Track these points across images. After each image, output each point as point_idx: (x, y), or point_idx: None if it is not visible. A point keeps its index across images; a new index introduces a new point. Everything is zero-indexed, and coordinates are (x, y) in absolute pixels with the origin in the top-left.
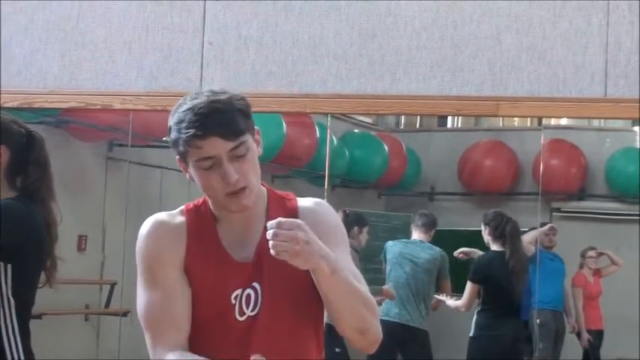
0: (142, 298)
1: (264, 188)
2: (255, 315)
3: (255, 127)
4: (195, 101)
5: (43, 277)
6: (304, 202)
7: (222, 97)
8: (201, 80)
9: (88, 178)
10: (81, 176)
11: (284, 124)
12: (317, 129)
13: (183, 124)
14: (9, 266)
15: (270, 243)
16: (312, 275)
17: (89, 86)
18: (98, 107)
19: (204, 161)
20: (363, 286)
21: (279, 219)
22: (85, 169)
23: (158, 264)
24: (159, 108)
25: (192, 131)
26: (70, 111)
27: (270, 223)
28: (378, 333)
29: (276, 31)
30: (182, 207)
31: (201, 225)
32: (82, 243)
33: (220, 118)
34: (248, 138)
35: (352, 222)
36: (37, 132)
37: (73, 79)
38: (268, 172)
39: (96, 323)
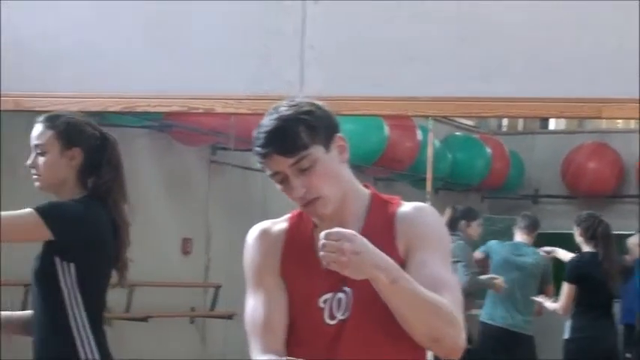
0: (247, 303)
1: (367, 191)
2: (345, 319)
3: (338, 134)
4: (267, 118)
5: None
6: (404, 207)
7: (288, 111)
8: (301, 84)
9: (191, 181)
10: (184, 180)
11: (386, 127)
12: (419, 132)
13: (255, 142)
14: (72, 265)
15: (320, 254)
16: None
17: (191, 90)
18: (200, 111)
19: (274, 176)
20: (446, 293)
21: (329, 230)
22: (188, 172)
23: (258, 271)
24: (260, 112)
25: (256, 150)
26: (173, 115)
27: (321, 234)
28: (456, 342)
29: (377, 33)
30: (289, 214)
31: (301, 231)
32: (186, 246)
33: (279, 136)
34: (313, 151)
35: (460, 216)
36: (111, 134)
37: (175, 82)
38: (370, 175)
39: (201, 326)
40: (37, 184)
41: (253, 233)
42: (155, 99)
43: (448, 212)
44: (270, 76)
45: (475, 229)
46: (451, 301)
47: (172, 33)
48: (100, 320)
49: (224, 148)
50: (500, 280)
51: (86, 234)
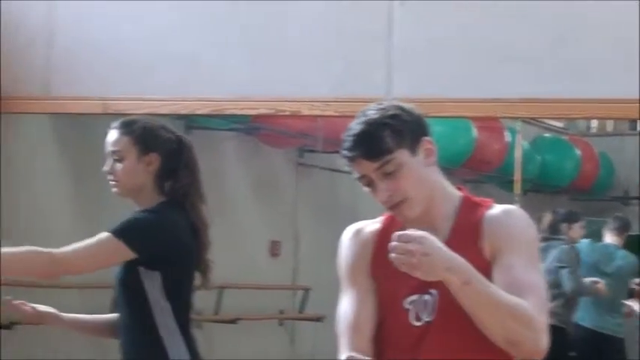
0: (340, 302)
1: (458, 193)
2: (431, 321)
3: (425, 137)
4: (355, 121)
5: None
6: (493, 210)
7: (374, 115)
8: (387, 85)
9: (278, 184)
10: (272, 182)
11: (474, 129)
12: (507, 133)
13: (342, 145)
14: (156, 272)
15: (391, 255)
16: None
17: (278, 92)
18: (287, 113)
19: (361, 179)
20: (530, 296)
21: (400, 232)
22: (275, 175)
23: (351, 271)
24: (347, 114)
25: (343, 153)
26: (260, 117)
27: (393, 235)
28: (535, 345)
29: (464, 35)
30: (384, 215)
31: (391, 232)
32: (275, 248)
33: (364, 140)
34: (397, 155)
35: (560, 219)
36: (186, 137)
37: (262, 85)
38: (459, 177)
39: (290, 328)
40: (114, 190)
41: (348, 233)
42: (242, 102)
43: (549, 216)
44: (356, 78)
45: (577, 231)
46: (534, 304)
47: (259, 36)
48: (187, 323)
49: (311, 151)
50: (601, 284)
51: (166, 242)
